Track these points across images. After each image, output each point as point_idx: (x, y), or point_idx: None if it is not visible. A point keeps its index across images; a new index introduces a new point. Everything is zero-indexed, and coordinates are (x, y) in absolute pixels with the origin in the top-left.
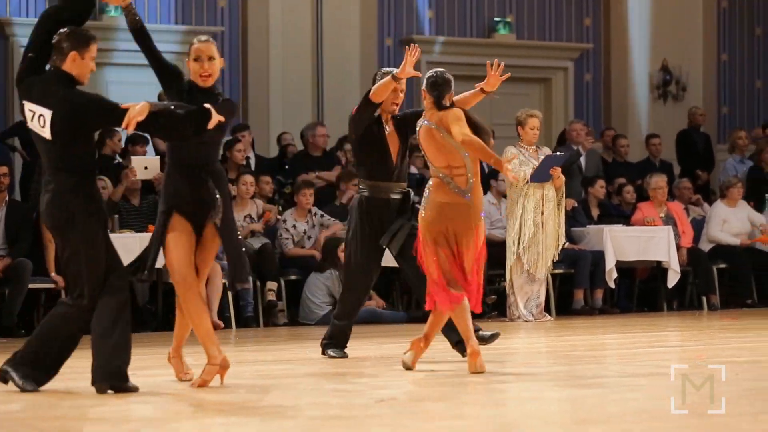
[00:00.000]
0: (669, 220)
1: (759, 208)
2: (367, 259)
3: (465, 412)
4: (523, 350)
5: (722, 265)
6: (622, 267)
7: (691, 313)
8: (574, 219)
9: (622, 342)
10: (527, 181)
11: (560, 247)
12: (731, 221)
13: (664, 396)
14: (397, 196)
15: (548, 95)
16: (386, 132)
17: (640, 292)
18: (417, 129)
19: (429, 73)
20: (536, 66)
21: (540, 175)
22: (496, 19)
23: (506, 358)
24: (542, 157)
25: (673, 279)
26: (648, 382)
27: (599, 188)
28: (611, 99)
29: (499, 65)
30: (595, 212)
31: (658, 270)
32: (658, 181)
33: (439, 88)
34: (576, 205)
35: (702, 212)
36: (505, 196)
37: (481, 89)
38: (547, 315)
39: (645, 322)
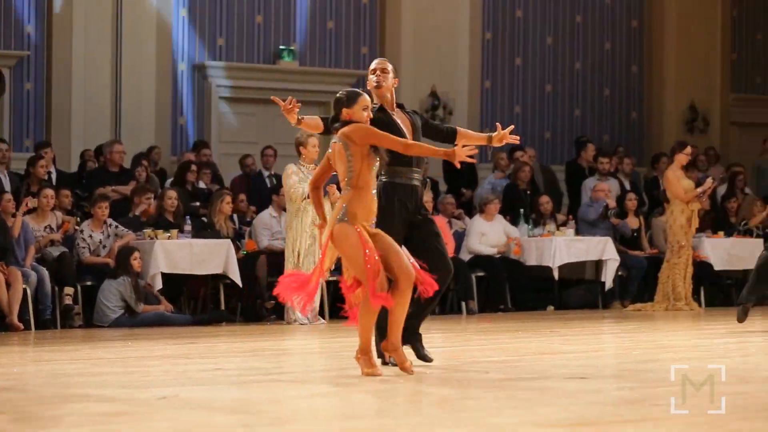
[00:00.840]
0: None
1: (515, 222)
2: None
3: (242, 407)
4: (298, 351)
5: (480, 274)
6: None
7: (451, 317)
8: None
9: None
10: (305, 197)
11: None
12: (489, 234)
13: (418, 392)
14: (417, 183)
15: None
16: (393, 115)
17: None
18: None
19: None
20: (317, 90)
21: None
22: (281, 47)
23: (283, 358)
24: None
25: None
26: (404, 379)
27: None
28: None
29: (512, 130)
30: None
31: None
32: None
33: (335, 107)
34: None
35: (463, 225)
36: (284, 210)
37: (489, 138)
38: (321, 319)
39: None
